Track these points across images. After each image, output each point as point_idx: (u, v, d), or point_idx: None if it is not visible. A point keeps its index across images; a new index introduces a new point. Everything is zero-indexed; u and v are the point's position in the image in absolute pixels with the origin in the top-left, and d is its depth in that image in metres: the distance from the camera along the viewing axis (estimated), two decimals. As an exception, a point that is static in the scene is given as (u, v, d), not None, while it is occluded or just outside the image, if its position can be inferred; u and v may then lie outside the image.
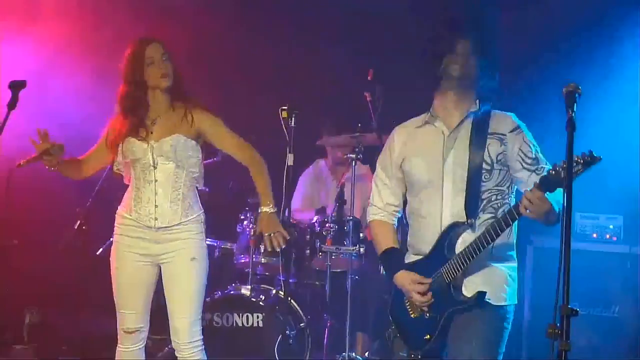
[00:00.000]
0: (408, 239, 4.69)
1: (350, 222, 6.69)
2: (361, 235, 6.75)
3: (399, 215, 4.80)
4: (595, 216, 7.19)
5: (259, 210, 5.30)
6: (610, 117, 7.32)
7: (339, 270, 6.97)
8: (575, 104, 3.62)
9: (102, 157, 5.45)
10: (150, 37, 5.29)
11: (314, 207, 7.73)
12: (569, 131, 3.56)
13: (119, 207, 5.42)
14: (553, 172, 3.82)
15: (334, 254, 6.73)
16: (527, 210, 3.98)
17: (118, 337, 5.42)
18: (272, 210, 5.26)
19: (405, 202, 4.75)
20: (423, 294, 4.37)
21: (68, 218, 6.62)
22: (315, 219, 7.00)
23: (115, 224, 5.42)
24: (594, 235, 7.16)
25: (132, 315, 5.36)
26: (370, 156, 6.83)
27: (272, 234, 5.18)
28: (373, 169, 6.96)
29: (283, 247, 5.22)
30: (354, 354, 6.65)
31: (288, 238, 5.22)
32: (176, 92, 5.29)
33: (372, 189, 4.83)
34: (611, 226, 7.15)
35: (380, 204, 4.73)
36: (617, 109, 7.31)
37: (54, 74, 7.53)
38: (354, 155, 6.75)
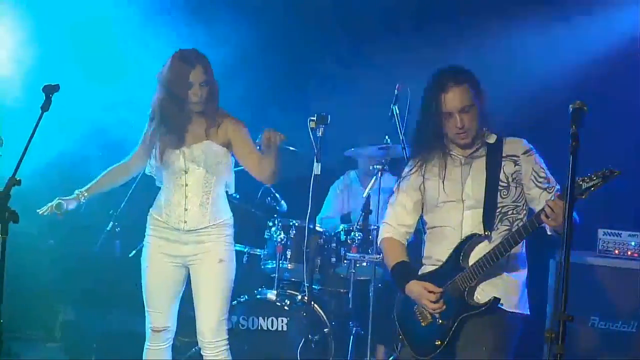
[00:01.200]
0: (424, 253, 4.92)
1: (375, 231, 6.75)
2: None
3: (409, 239, 5.02)
4: (617, 233, 7.17)
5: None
6: (636, 134, 7.47)
7: (363, 278, 7.09)
8: (580, 121, 3.82)
9: (143, 160, 5.70)
10: (194, 56, 5.43)
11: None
12: (572, 145, 3.75)
13: (151, 209, 5.67)
14: (581, 182, 4.07)
15: (358, 261, 6.89)
16: (549, 219, 4.24)
17: (146, 334, 5.65)
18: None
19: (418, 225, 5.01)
20: (436, 301, 4.58)
21: (102, 220, 6.84)
22: (341, 227, 7.15)
23: (147, 225, 5.66)
24: (616, 251, 7.14)
25: (159, 314, 5.60)
26: (397, 167, 7.04)
27: (271, 131, 5.29)
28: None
29: (277, 143, 5.30)
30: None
31: (284, 139, 5.33)
32: (210, 108, 5.51)
33: (387, 209, 5.06)
34: (633, 243, 7.15)
35: (394, 223, 4.96)
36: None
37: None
38: (380, 166, 6.92)
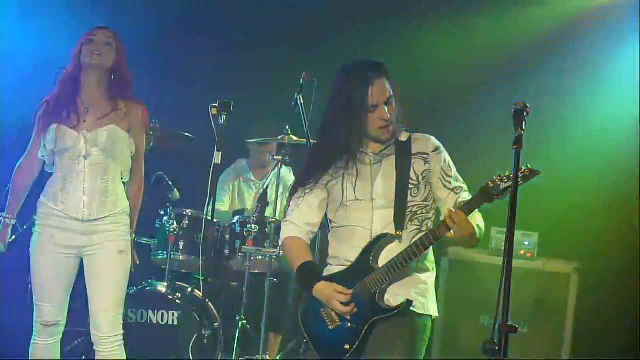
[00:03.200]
0: (330, 252, 4.76)
1: (273, 224, 6.73)
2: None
3: (312, 237, 4.87)
4: (510, 232, 7.32)
5: None
6: (530, 134, 7.56)
7: (257, 271, 7.01)
8: (524, 122, 3.76)
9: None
10: (103, 26, 5.33)
11: (234, 206, 7.83)
12: (516, 149, 3.69)
13: (41, 196, 5.38)
14: (492, 184, 4.03)
15: (253, 255, 6.75)
16: (451, 231, 4.19)
17: (34, 329, 5.40)
18: (133, 238, 5.55)
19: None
20: (346, 303, 4.43)
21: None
22: (235, 219, 7.01)
23: (38, 214, 5.38)
24: (509, 250, 7.31)
25: (51, 307, 5.36)
26: (295, 158, 6.95)
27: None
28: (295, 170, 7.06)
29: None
30: (267, 356, 6.71)
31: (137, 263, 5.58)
32: (118, 85, 5.31)
33: (290, 207, 4.85)
34: (526, 242, 7.34)
35: (299, 221, 4.75)
36: (540, 126, 7.55)
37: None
38: (280, 157, 6.84)
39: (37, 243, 5.35)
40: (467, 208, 4.18)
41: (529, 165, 3.93)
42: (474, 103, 7.79)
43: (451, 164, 4.63)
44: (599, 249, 7.53)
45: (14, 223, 5.46)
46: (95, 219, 5.27)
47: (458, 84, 7.83)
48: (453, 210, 4.20)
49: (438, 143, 4.66)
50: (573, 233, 7.51)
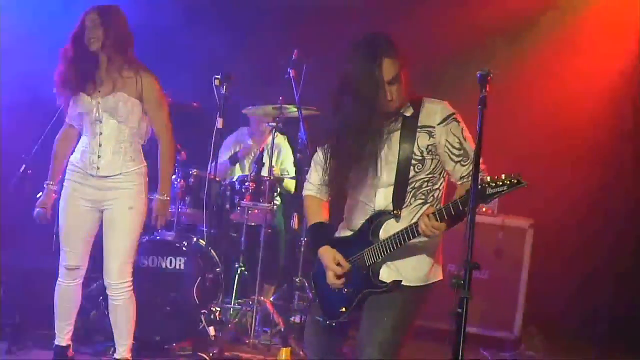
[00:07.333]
0: (345, 213, 4.51)
1: (267, 182, 6.88)
2: (275, 193, 7.16)
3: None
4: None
5: (156, 197, 5.67)
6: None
7: (254, 223, 7.22)
8: (487, 85, 3.65)
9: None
10: (91, 8, 5.39)
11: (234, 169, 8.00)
12: (480, 109, 3.63)
13: (70, 156, 5.54)
14: (487, 185, 3.78)
15: (250, 209, 6.96)
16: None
17: (59, 272, 5.56)
18: (167, 199, 5.70)
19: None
20: (338, 277, 4.29)
21: (15, 164, 6.60)
22: (235, 177, 7.21)
23: (67, 170, 5.53)
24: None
25: (73, 253, 5.51)
26: (289, 127, 7.13)
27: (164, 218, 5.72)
28: (289, 138, 7.25)
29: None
30: (262, 297, 6.90)
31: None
32: (119, 56, 5.36)
33: (310, 168, 4.61)
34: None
35: (316, 181, 4.51)
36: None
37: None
38: (274, 124, 6.94)
39: (64, 195, 5.51)
40: (446, 211, 3.94)
41: (519, 173, 3.73)
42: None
43: (459, 132, 4.21)
44: (552, 209, 7.79)
45: (55, 189, 5.60)
46: (108, 176, 5.40)
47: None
48: (426, 219, 3.96)
49: (447, 112, 4.24)
50: (530, 194, 7.55)
